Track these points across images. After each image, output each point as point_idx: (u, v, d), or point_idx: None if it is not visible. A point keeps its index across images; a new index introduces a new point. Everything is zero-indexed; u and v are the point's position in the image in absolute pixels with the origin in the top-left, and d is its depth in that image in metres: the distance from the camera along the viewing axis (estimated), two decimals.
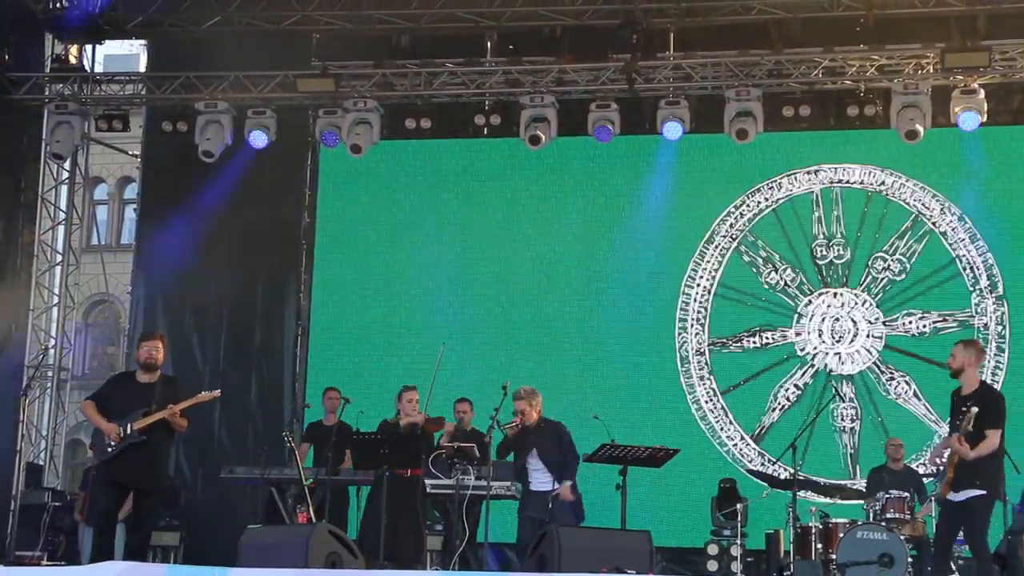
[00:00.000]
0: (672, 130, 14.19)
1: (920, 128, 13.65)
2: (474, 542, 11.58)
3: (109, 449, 10.02)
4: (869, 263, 14.45)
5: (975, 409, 9.04)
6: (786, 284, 14.57)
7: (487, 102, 14.76)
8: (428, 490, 11.81)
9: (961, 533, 9.55)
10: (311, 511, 11.34)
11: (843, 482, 13.45)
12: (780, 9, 13.95)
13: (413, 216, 15.50)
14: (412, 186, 15.54)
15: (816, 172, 14.72)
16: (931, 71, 13.80)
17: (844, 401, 12.02)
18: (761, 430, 14.28)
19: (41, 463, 15.50)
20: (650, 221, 15.00)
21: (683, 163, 14.97)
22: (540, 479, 11.13)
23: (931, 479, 12.06)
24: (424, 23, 14.59)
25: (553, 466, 11.11)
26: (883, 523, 10.99)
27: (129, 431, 9.98)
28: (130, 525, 10.42)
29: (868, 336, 14.30)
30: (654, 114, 14.45)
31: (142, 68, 17.32)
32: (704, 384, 14.60)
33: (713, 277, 14.81)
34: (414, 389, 11.93)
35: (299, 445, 12.60)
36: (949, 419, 9.73)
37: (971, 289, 14.26)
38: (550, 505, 10.98)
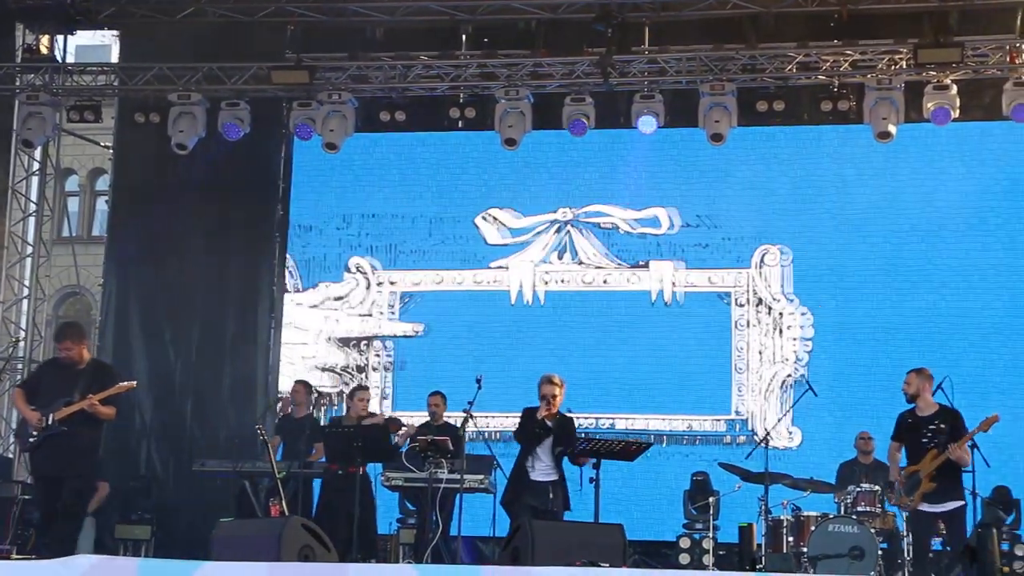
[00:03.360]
0: (646, 124, 14.21)
1: (892, 128, 13.71)
2: (447, 536, 11.61)
3: (31, 439, 9.84)
4: None
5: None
6: None
7: (462, 95, 14.76)
8: (402, 483, 11.87)
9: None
10: (283, 504, 11.32)
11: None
12: (754, 4, 13.98)
13: (387, 208, 15.48)
14: (386, 179, 15.52)
15: None
16: (904, 67, 13.85)
17: (816, 396, 12.02)
18: None
19: (11, 456, 15.41)
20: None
21: (657, 157, 15.01)
22: (543, 470, 10.98)
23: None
24: (399, 16, 14.56)
25: (558, 458, 11.06)
26: (854, 516, 11.05)
27: (51, 421, 9.79)
28: (54, 517, 10.07)
29: None
30: (629, 108, 14.46)
31: (114, 59, 17.23)
32: None
33: None
34: (367, 389, 12.58)
35: (271, 438, 12.59)
36: (901, 437, 10.67)
37: None
38: (551, 495, 10.91)
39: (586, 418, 14.07)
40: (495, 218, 15.17)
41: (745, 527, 11.85)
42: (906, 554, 10.96)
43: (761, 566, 11.16)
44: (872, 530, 10.84)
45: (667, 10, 14.21)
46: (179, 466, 14.60)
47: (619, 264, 14.92)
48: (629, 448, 10.82)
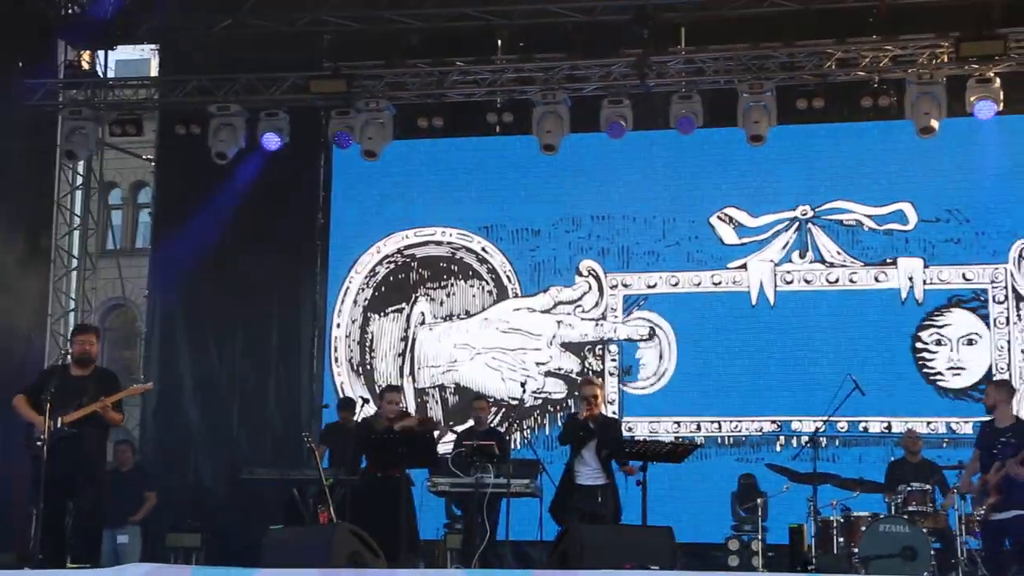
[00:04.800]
0: (686, 125, 14.15)
1: (935, 123, 13.57)
2: (495, 540, 11.60)
3: (39, 443, 9.67)
4: None
5: None
6: None
7: (499, 100, 14.74)
8: (448, 488, 11.85)
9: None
10: (331, 511, 11.35)
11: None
12: (792, 1, 13.90)
13: (427, 215, 15.52)
14: (425, 185, 15.57)
15: None
16: (945, 60, 13.72)
17: (864, 395, 11.92)
18: None
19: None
20: (664, 216, 15.01)
21: (696, 157, 14.97)
22: (589, 474, 11.00)
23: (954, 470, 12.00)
24: (435, 22, 14.59)
25: (604, 461, 11.04)
26: (905, 516, 10.96)
27: (59, 425, 9.73)
28: (75, 527, 10.04)
29: None
30: (667, 109, 14.41)
31: (154, 72, 17.35)
32: None
33: None
34: (398, 391, 12.32)
35: (317, 446, 12.60)
36: (981, 447, 10.62)
37: None
38: (600, 499, 10.89)
39: (837, 421, 13.57)
40: (731, 218, 14.85)
41: (796, 528, 11.81)
42: (960, 554, 10.88)
43: (812, 567, 11.10)
44: (924, 530, 10.76)
45: (703, 9, 14.16)
46: (227, 474, 14.66)
47: (855, 261, 14.47)
48: (676, 450, 10.78)
